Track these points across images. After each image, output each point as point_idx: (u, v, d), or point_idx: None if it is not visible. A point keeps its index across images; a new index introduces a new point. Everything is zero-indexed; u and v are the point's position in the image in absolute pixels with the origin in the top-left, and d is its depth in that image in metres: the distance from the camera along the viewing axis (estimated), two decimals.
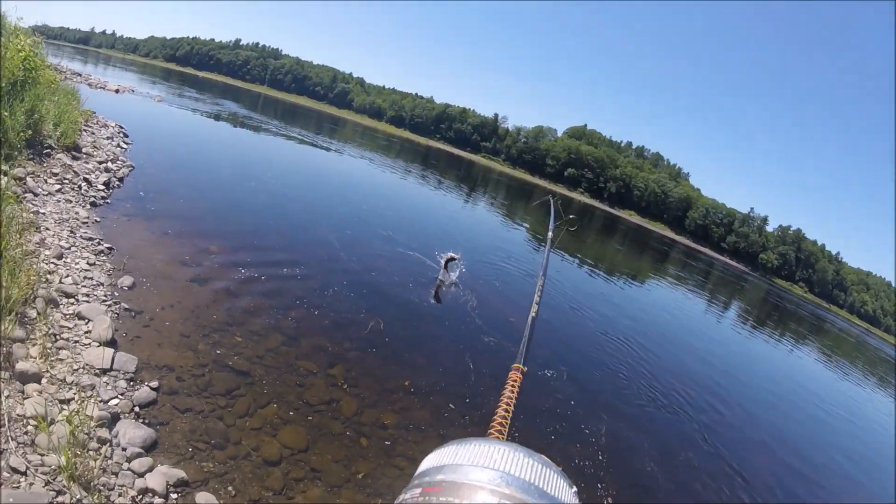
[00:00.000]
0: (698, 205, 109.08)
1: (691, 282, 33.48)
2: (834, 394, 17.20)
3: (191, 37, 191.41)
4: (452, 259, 10.43)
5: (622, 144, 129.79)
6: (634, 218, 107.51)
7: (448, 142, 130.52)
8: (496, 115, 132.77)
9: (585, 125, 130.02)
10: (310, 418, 5.00)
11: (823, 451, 10.52)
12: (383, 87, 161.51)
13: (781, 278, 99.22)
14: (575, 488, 0.68)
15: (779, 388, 14.17)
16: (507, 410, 1.36)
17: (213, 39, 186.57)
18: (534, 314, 1.83)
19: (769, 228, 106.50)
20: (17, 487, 2.89)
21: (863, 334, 77.59)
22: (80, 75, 31.25)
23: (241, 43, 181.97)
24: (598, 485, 5.67)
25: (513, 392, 1.44)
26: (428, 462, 0.73)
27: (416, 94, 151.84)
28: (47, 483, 3.00)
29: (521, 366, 1.52)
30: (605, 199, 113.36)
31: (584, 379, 8.65)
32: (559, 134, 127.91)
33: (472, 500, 0.61)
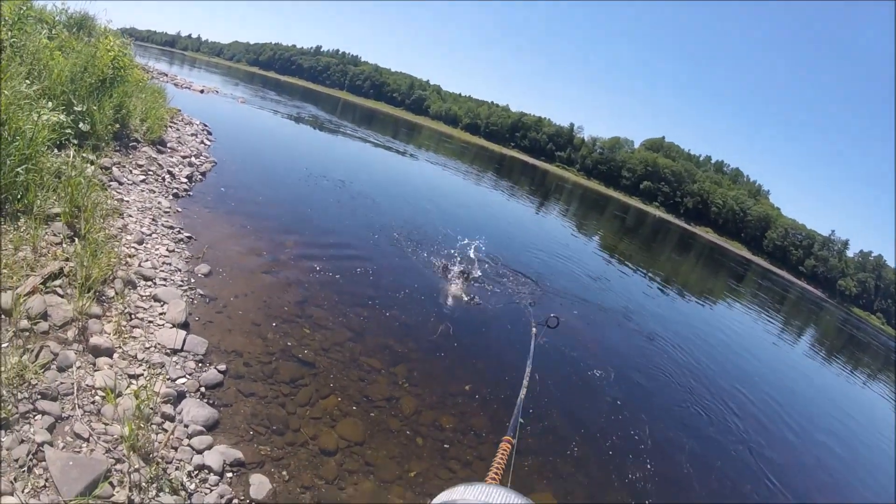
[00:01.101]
0: (778, 224, 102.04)
1: (768, 305, 31.67)
2: None
3: (273, 42, 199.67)
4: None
5: (701, 158, 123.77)
6: (711, 235, 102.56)
7: (522, 150, 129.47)
8: (572, 125, 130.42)
9: (663, 137, 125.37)
10: (370, 413, 4.98)
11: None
12: (459, 94, 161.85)
13: (859, 307, 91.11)
14: None
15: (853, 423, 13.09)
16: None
17: (294, 45, 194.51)
18: (522, 396, 2.01)
19: (849, 253, 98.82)
20: (79, 452, 2.97)
21: None
22: (166, 75, 32.73)
23: (321, 49, 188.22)
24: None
25: (501, 461, 1.66)
26: None
27: (492, 101, 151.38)
28: (108, 451, 3.09)
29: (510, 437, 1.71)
30: (681, 215, 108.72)
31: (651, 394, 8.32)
32: (636, 146, 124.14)
33: None
